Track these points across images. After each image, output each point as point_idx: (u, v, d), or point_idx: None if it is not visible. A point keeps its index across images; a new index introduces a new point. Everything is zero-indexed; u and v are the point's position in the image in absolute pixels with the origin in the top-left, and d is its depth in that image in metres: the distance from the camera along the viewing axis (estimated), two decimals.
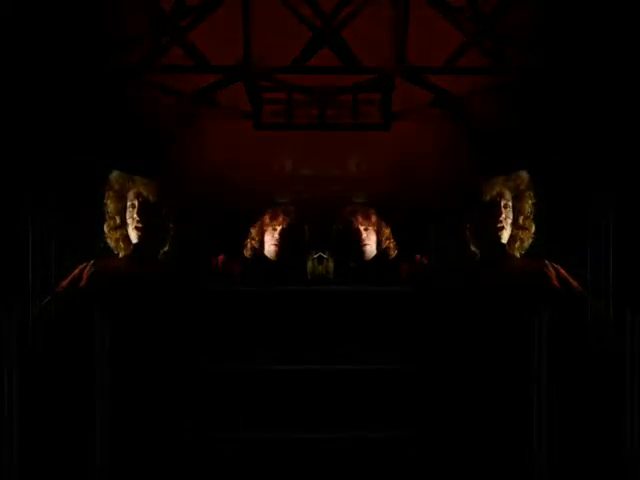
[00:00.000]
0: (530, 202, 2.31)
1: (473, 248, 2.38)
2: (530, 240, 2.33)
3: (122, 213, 2.29)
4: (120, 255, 2.30)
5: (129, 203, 2.27)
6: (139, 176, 2.29)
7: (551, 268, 2.26)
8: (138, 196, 2.26)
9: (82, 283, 2.18)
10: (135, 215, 2.25)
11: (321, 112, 2.62)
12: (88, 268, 2.22)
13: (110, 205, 2.28)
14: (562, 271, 2.25)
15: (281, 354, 2.25)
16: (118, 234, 2.29)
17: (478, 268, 2.36)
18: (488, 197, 2.31)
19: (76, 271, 2.21)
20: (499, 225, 2.28)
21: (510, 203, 2.32)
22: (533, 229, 2.32)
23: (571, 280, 2.23)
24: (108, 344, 2.08)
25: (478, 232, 2.35)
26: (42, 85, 2.27)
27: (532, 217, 2.32)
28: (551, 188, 2.28)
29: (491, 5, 2.35)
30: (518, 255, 2.34)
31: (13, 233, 2.11)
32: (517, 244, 2.34)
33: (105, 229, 2.29)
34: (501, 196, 2.30)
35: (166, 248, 2.35)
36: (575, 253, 2.22)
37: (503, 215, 2.28)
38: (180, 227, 2.40)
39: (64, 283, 2.17)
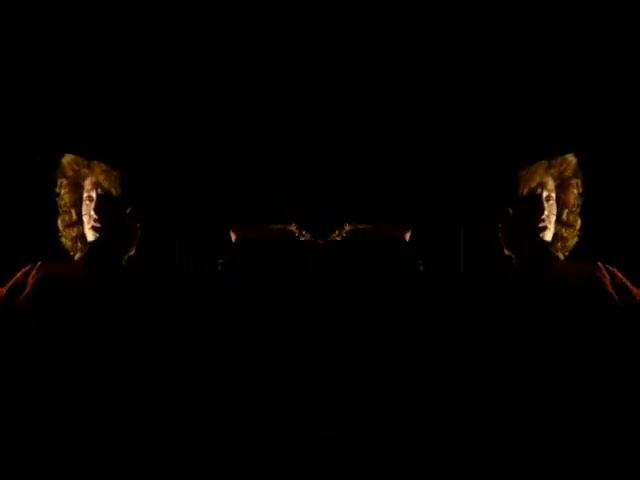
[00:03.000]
0: (576, 192, 1.91)
1: (507, 252, 1.98)
2: (575, 239, 1.93)
3: (79, 206, 1.88)
4: (76, 257, 1.89)
5: (85, 195, 1.86)
6: (98, 162, 1.88)
7: (605, 272, 1.85)
8: (96, 187, 1.84)
9: (27, 290, 1.77)
10: (92, 212, 1.83)
11: None
12: (34, 272, 1.80)
13: (65, 196, 1.88)
14: (619, 275, 1.85)
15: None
16: (75, 232, 1.88)
17: (515, 275, 1.97)
18: (526, 190, 1.90)
19: (18, 275, 1.80)
20: (541, 225, 1.87)
21: (553, 194, 1.90)
22: (579, 225, 1.92)
23: (630, 286, 1.84)
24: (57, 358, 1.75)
25: (514, 233, 1.95)
26: None
27: (578, 211, 1.92)
28: (603, 176, 1.88)
29: None
30: (562, 256, 1.94)
31: None
32: (559, 244, 1.93)
33: (59, 225, 1.88)
34: (543, 187, 1.89)
35: (132, 252, 1.94)
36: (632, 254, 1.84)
37: (546, 212, 1.88)
38: (150, 227, 2.01)
39: (4, 290, 1.76)
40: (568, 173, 1.90)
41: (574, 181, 1.90)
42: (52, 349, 1.77)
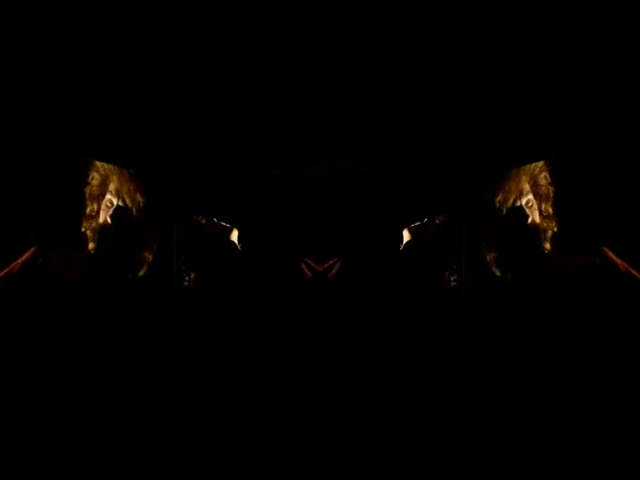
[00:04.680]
0: (546, 182, 2.05)
1: (498, 273, 2.07)
2: (555, 227, 2.03)
3: (100, 201, 2.05)
4: (90, 246, 2.02)
5: (108, 196, 2.04)
6: (129, 177, 2.12)
7: (597, 256, 1.92)
8: (118, 196, 2.05)
9: (34, 270, 1.87)
10: (108, 218, 2.01)
11: None
12: (42, 258, 1.91)
13: (94, 188, 2.03)
14: (610, 255, 1.91)
15: None
16: (94, 223, 2.04)
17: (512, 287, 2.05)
18: (506, 209, 2.10)
19: (27, 254, 1.90)
20: (532, 228, 2.03)
21: (531, 196, 2.08)
22: (550, 210, 2.03)
23: (619, 262, 1.87)
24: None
25: (505, 254, 2.08)
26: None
27: (552, 198, 2.04)
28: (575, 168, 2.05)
29: None
30: (548, 246, 2.01)
31: None
32: (542, 235, 2.04)
33: (87, 209, 2.01)
34: (520, 196, 2.09)
35: (141, 273, 2.06)
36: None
37: (530, 217, 2.04)
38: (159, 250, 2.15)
39: (15, 266, 1.86)
40: (537, 171, 2.09)
41: (543, 174, 2.07)
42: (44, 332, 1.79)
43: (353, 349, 2.04)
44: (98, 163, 2.08)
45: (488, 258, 2.11)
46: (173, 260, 2.17)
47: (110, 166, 2.09)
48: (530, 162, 2.09)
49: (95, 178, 2.05)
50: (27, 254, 1.89)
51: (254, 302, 2.14)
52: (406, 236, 2.22)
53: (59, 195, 1.99)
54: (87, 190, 2.03)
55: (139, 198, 2.11)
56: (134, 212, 2.09)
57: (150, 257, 2.12)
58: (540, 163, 2.09)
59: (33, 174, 1.95)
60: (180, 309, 2.05)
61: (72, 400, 1.75)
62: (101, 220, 2.03)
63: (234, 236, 2.24)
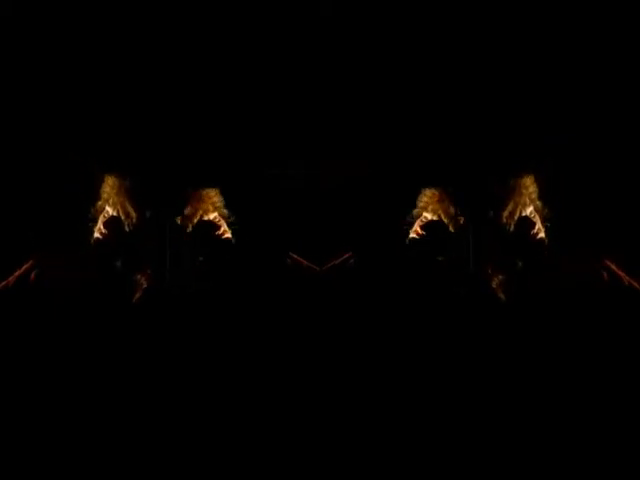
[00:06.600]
0: (535, 196, 2.02)
1: (503, 297, 2.05)
2: (552, 240, 2.01)
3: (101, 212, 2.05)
4: (91, 260, 2.02)
5: (106, 208, 2.02)
6: (125, 183, 2.07)
7: (598, 264, 1.91)
8: (115, 209, 2.03)
9: (30, 281, 1.87)
10: (101, 226, 1.99)
11: None
12: (39, 270, 1.91)
13: (103, 203, 2.02)
14: (613, 267, 1.90)
15: None
16: (95, 236, 2.04)
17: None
18: (512, 223, 2.06)
19: (24, 267, 1.90)
20: (538, 237, 1.99)
21: (532, 207, 2.06)
22: (545, 223, 2.01)
23: (622, 275, 1.86)
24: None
25: (511, 275, 2.06)
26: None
27: (546, 212, 2.01)
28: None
29: None
30: (550, 258, 2.01)
31: None
32: (544, 248, 2.03)
33: (94, 223, 2.01)
34: (524, 207, 2.06)
35: (137, 295, 2.04)
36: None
37: (537, 224, 2.00)
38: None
39: (11, 279, 1.87)
40: (532, 189, 2.03)
41: (532, 189, 2.02)
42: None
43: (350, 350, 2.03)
44: (108, 176, 2.04)
45: (494, 285, 2.08)
46: (166, 273, 2.13)
47: (113, 177, 2.05)
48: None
49: (104, 193, 2.03)
50: (24, 267, 1.89)
51: (251, 306, 2.14)
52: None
53: (59, 207, 1.98)
54: (98, 205, 2.01)
55: (132, 214, 2.08)
56: (126, 227, 2.06)
57: (144, 280, 2.08)
58: (529, 177, 2.05)
59: (33, 183, 1.93)
60: (178, 326, 2.04)
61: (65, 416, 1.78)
62: (97, 230, 2.01)
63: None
